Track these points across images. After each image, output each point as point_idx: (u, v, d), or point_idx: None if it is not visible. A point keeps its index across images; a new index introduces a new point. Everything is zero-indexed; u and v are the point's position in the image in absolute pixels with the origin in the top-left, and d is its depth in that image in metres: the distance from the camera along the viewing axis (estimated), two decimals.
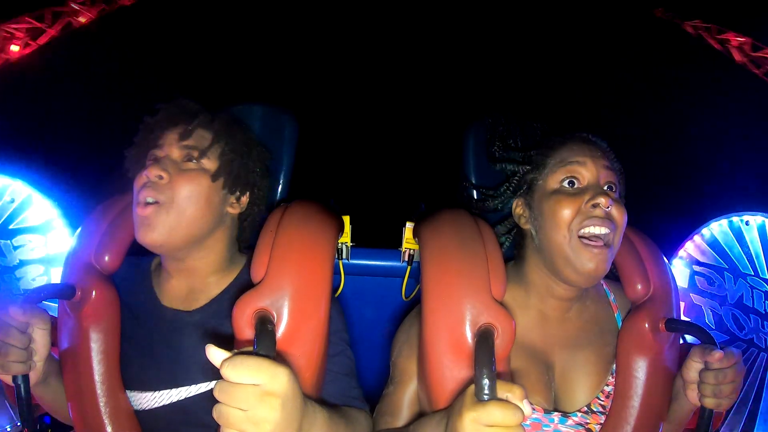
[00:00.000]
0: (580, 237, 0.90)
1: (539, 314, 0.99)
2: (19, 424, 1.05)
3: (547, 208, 0.93)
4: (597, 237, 0.90)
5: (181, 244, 0.94)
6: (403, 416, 0.94)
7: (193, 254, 0.97)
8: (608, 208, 0.90)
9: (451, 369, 0.84)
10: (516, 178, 1.02)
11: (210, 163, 0.97)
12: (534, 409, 0.91)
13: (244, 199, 1.03)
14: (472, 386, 0.67)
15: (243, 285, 0.95)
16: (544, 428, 0.91)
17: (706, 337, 0.90)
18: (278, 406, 0.61)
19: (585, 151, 0.95)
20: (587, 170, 0.93)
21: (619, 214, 0.92)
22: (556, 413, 0.92)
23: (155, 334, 0.96)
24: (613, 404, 0.95)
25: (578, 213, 0.90)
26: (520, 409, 0.63)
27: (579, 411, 0.94)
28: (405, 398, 0.95)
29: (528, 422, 0.90)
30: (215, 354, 0.62)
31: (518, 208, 1.01)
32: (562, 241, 0.91)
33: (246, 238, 1.08)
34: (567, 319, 1.00)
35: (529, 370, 0.94)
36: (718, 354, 0.84)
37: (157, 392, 0.93)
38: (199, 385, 0.92)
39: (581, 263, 0.89)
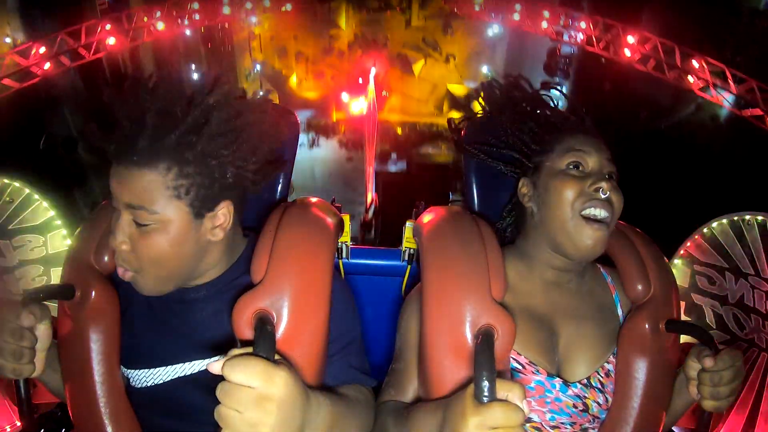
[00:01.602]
0: (582, 216, 0.96)
1: (542, 282, 1.03)
2: (19, 424, 1.05)
3: (552, 187, 0.99)
4: (597, 218, 0.95)
5: (176, 285, 0.91)
6: (408, 392, 0.95)
7: (194, 278, 0.95)
8: (608, 193, 0.95)
9: (451, 370, 0.84)
10: (523, 149, 1.09)
11: (168, 210, 0.83)
12: (538, 371, 0.93)
13: (224, 210, 0.89)
14: (471, 386, 0.67)
15: (249, 260, 0.89)
16: (547, 394, 0.92)
17: (706, 338, 0.90)
18: (274, 410, 0.61)
19: (591, 142, 1.01)
20: (592, 159, 0.99)
21: (617, 201, 0.97)
22: (558, 379, 0.94)
23: (159, 313, 0.95)
24: (612, 405, 0.95)
25: (581, 194, 0.96)
26: (521, 409, 0.63)
27: (579, 382, 0.95)
28: (411, 374, 0.95)
29: (532, 384, 0.92)
30: (215, 367, 0.63)
31: (524, 187, 1.06)
32: (565, 218, 0.96)
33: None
34: (568, 289, 1.03)
35: (533, 331, 0.96)
36: (709, 362, 0.85)
37: (165, 367, 0.92)
38: (204, 360, 0.91)
39: (581, 239, 0.94)
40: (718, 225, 1.47)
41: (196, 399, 0.89)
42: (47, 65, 6.18)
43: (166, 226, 0.83)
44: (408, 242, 1.31)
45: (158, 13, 6.64)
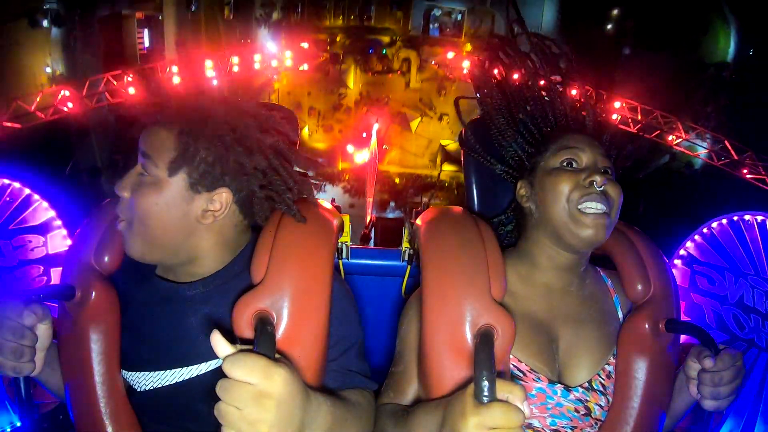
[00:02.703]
0: (579, 210, 0.95)
1: (544, 287, 1.02)
2: (19, 424, 1.05)
3: (547, 183, 0.99)
4: (595, 213, 0.94)
5: (161, 257, 0.92)
6: (408, 395, 0.95)
7: (185, 264, 0.94)
8: (602, 186, 0.95)
9: (451, 369, 0.84)
10: (518, 152, 1.10)
11: (158, 171, 0.87)
12: (539, 379, 0.93)
13: (222, 196, 0.90)
14: (471, 386, 0.67)
15: (246, 261, 0.91)
16: (548, 400, 0.92)
17: (706, 338, 0.90)
18: (272, 407, 0.61)
19: (584, 139, 1.01)
20: (585, 155, 0.99)
21: (614, 192, 0.96)
22: (559, 385, 0.93)
23: (153, 309, 0.94)
24: (612, 405, 0.95)
25: (576, 187, 0.96)
26: (521, 410, 0.63)
27: (581, 386, 0.95)
28: (413, 378, 0.95)
29: (534, 392, 0.92)
30: (220, 346, 0.63)
31: (522, 189, 1.06)
32: (562, 212, 0.96)
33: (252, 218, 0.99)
34: (570, 293, 1.03)
35: (533, 338, 0.96)
36: (708, 362, 0.86)
37: (163, 371, 0.92)
38: (202, 364, 0.91)
39: (580, 229, 0.94)
40: (717, 225, 1.47)
41: (196, 403, 0.89)
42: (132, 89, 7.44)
43: (161, 185, 0.88)
44: (408, 242, 1.31)
45: (210, 63, 8.04)
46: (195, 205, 0.89)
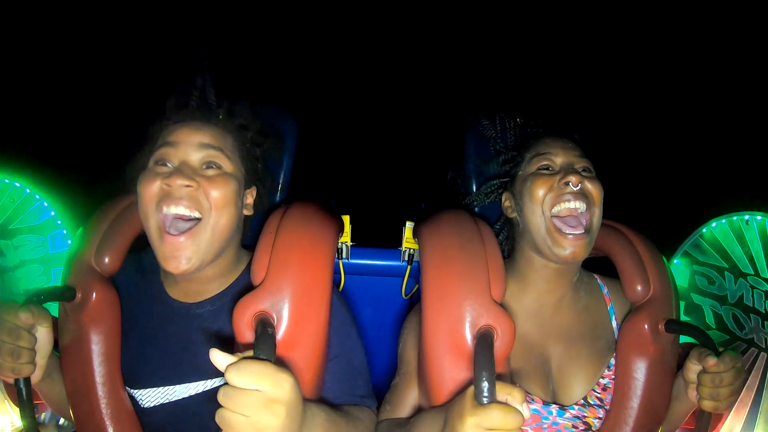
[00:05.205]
0: (555, 216, 0.96)
1: (535, 304, 1.03)
2: (19, 424, 1.06)
3: (524, 190, 1.01)
4: (572, 214, 0.95)
5: (208, 263, 0.92)
6: (407, 407, 0.95)
7: (207, 266, 0.95)
8: (578, 186, 0.95)
9: (451, 370, 0.84)
10: (500, 174, 1.14)
11: (229, 165, 0.94)
12: (533, 400, 0.93)
13: (252, 194, 1.02)
14: (472, 388, 0.67)
15: (248, 281, 0.92)
16: (543, 420, 0.92)
17: (705, 339, 0.91)
18: (282, 413, 0.61)
19: (556, 143, 1.03)
20: (559, 158, 1.01)
21: (594, 189, 0.97)
22: (554, 405, 0.94)
23: (165, 327, 0.96)
24: (612, 405, 0.96)
25: (551, 190, 0.97)
26: (521, 412, 0.63)
27: (576, 404, 0.95)
28: (410, 389, 0.96)
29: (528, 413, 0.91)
30: (219, 358, 0.62)
31: (507, 201, 1.09)
32: (539, 223, 0.97)
33: (246, 232, 1.06)
34: (561, 309, 1.03)
35: (526, 361, 0.96)
36: (711, 361, 0.86)
37: (172, 386, 0.92)
38: (208, 381, 0.91)
39: (558, 249, 0.95)
40: (717, 225, 1.47)
41: (202, 419, 0.90)
42: None
43: (231, 176, 0.95)
44: (408, 242, 1.31)
45: None
46: (244, 197, 0.99)
